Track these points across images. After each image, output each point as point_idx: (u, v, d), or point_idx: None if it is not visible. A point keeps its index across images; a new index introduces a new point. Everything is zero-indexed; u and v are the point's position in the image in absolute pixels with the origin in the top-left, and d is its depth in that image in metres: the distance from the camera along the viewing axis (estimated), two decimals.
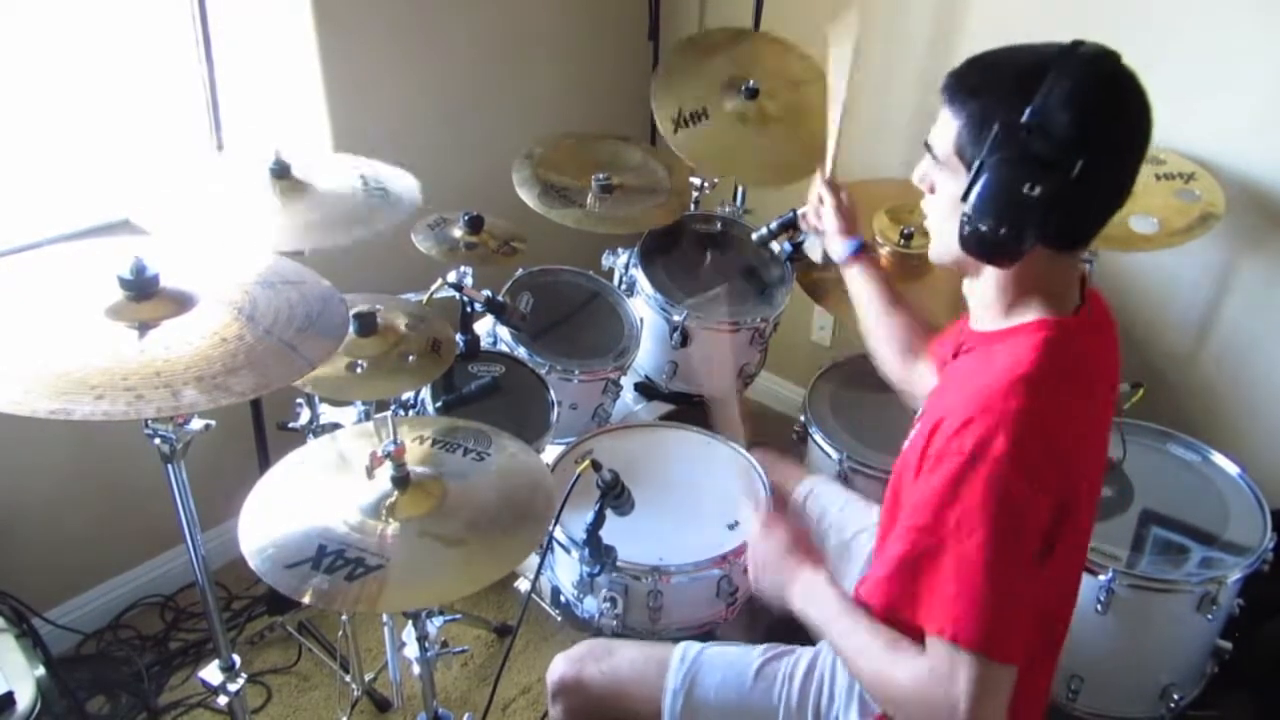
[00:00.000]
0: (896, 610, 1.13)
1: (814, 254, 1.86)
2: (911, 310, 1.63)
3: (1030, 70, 1.06)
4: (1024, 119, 1.05)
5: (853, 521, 1.72)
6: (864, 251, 1.66)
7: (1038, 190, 1.04)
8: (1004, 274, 1.17)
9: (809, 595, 1.30)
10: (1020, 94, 1.05)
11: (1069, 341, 1.14)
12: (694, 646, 1.49)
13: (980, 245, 1.11)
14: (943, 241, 1.20)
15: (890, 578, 1.13)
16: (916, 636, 1.14)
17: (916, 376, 1.58)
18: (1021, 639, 1.09)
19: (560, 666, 1.53)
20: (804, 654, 1.47)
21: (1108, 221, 1.14)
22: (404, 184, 1.86)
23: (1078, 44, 1.08)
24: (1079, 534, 1.22)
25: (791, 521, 1.42)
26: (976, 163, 1.08)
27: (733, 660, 1.47)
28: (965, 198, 1.10)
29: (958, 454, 1.07)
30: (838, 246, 1.70)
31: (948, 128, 1.13)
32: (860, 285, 1.65)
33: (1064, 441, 1.10)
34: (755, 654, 1.48)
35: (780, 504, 1.81)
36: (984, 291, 1.20)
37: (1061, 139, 1.04)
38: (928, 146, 1.18)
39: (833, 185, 1.73)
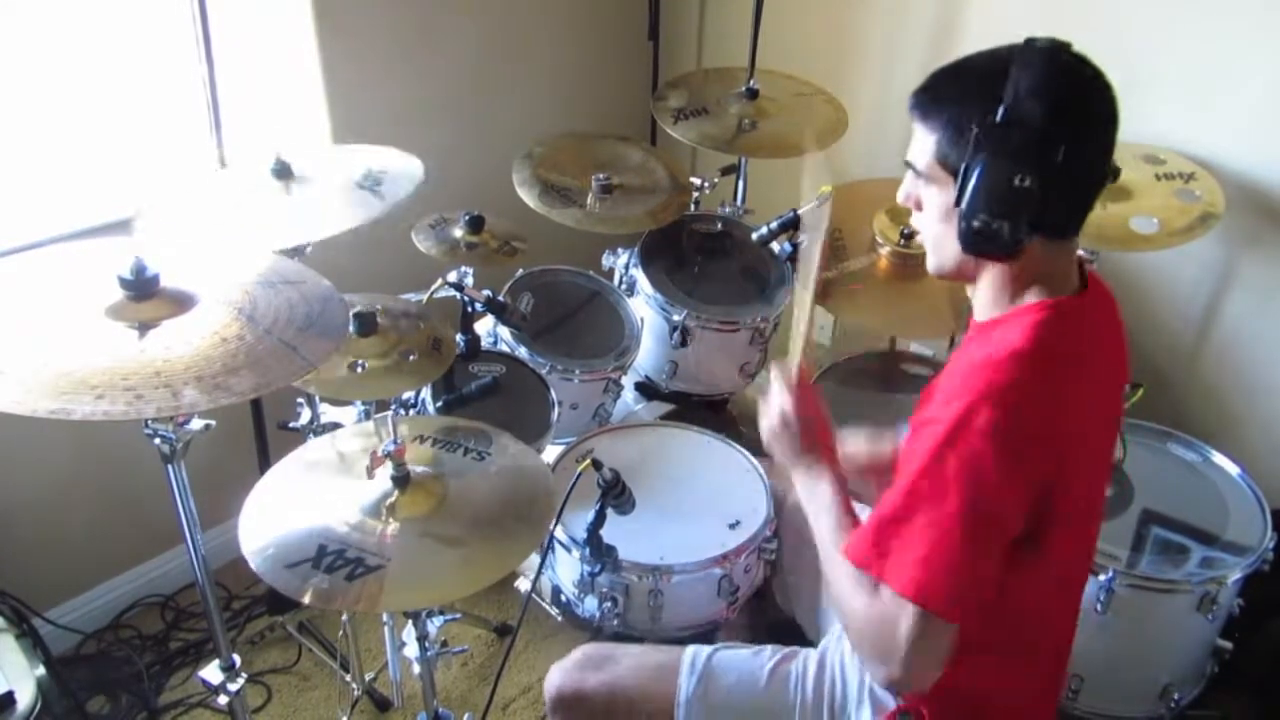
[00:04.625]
0: (865, 568, 1.16)
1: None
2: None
3: (992, 71, 1.09)
4: (999, 117, 1.07)
5: None
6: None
7: (1028, 181, 1.07)
8: (1004, 271, 1.18)
9: (811, 490, 1.33)
10: (989, 94, 1.08)
11: (1064, 320, 1.16)
12: (703, 650, 1.48)
13: (982, 242, 1.12)
14: (941, 251, 1.22)
15: (867, 535, 1.16)
16: None
17: None
18: (974, 604, 1.12)
19: (556, 678, 1.51)
20: (810, 655, 1.48)
21: (1093, 205, 1.16)
22: (404, 165, 1.85)
23: (1030, 40, 1.11)
24: (1072, 521, 1.22)
25: (814, 405, 1.38)
26: (963, 166, 1.10)
27: (744, 662, 1.47)
28: (959, 201, 1.12)
29: (942, 423, 1.10)
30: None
31: (925, 142, 1.16)
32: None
33: (1052, 418, 1.12)
34: (766, 655, 1.48)
35: (779, 506, 1.80)
36: (987, 287, 1.22)
37: (1038, 129, 1.07)
38: (909, 164, 1.20)
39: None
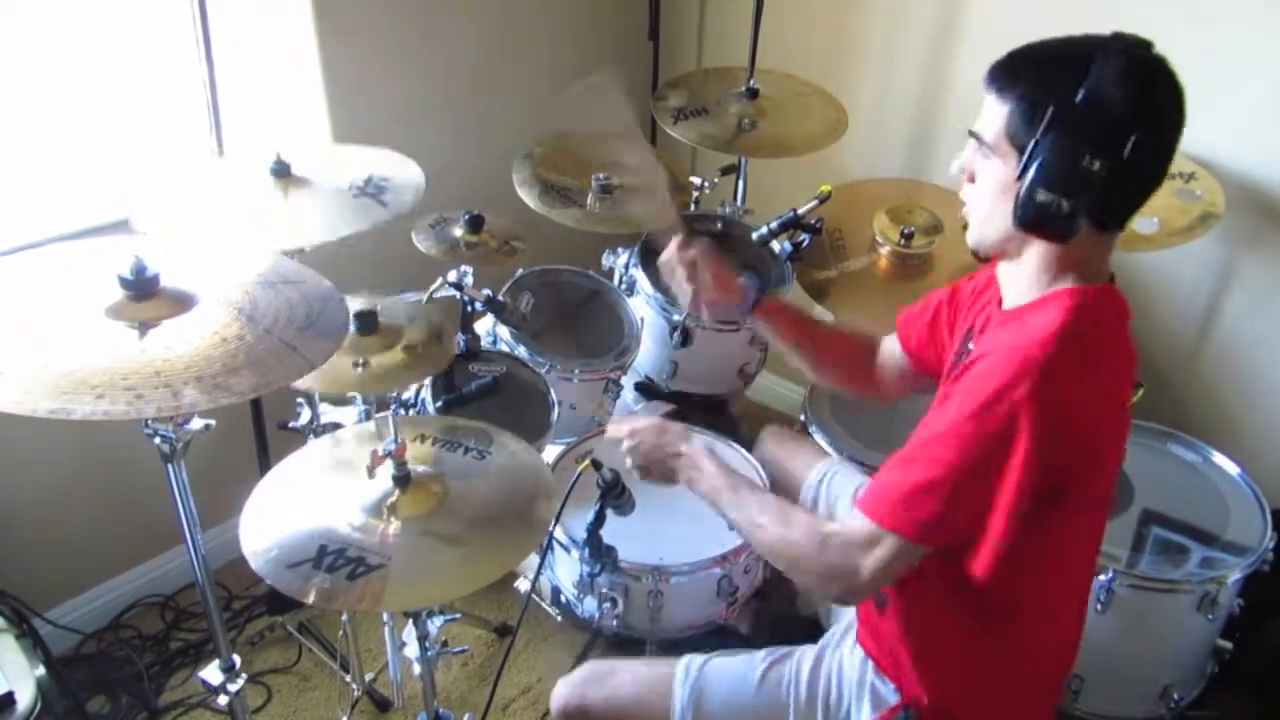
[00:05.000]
0: (858, 508, 1.22)
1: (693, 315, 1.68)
2: (838, 330, 1.70)
3: (1077, 55, 1.11)
4: (1078, 99, 1.09)
5: None
6: (758, 302, 1.64)
7: (1097, 164, 1.09)
8: (1048, 252, 1.20)
9: (693, 473, 1.41)
10: (1071, 76, 1.10)
11: (1097, 308, 1.18)
12: (696, 660, 1.48)
13: (1039, 218, 1.14)
14: (987, 225, 1.23)
15: (880, 485, 1.22)
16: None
17: (887, 367, 1.63)
18: (953, 531, 1.17)
19: (563, 693, 1.52)
20: (806, 654, 1.48)
21: (1145, 202, 1.18)
22: (407, 174, 1.85)
23: (1118, 34, 1.13)
24: (1085, 509, 1.25)
25: (653, 420, 1.50)
26: (1032, 142, 1.12)
27: (736, 669, 1.48)
28: (1023, 175, 1.13)
29: (980, 393, 1.13)
30: (728, 309, 1.66)
31: (996, 115, 1.17)
32: (774, 331, 1.66)
33: (1086, 401, 1.14)
34: (758, 660, 1.48)
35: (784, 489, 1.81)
36: (1025, 271, 1.23)
37: (1115, 116, 1.09)
38: (974, 135, 1.21)
39: (688, 244, 1.63)
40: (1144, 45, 1.12)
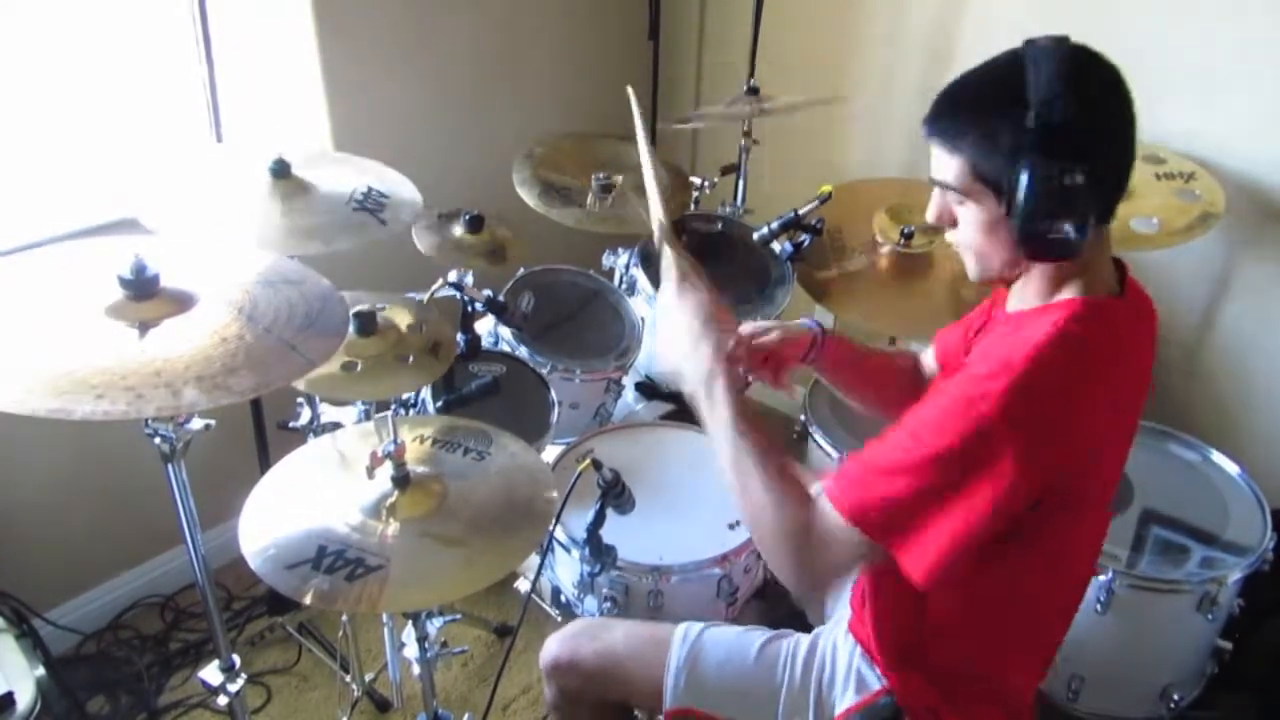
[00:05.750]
0: (841, 511, 1.14)
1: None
2: (883, 356, 1.65)
3: (1006, 78, 1.09)
4: (1031, 121, 1.07)
5: None
6: (813, 347, 1.53)
7: (1079, 177, 1.07)
8: (1051, 266, 1.18)
9: (712, 399, 1.25)
10: (1012, 101, 1.08)
11: (1096, 319, 1.15)
12: (695, 626, 1.50)
13: (1048, 247, 1.12)
14: (989, 259, 1.21)
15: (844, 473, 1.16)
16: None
17: (925, 386, 1.59)
18: (909, 537, 1.11)
19: (553, 647, 1.54)
20: (803, 638, 1.50)
21: (1126, 185, 1.15)
22: (406, 193, 1.85)
23: (1030, 41, 1.11)
24: (1075, 522, 1.22)
25: (707, 296, 1.34)
26: (1006, 177, 1.09)
27: (735, 640, 1.49)
28: (1011, 212, 1.10)
29: (959, 395, 1.09)
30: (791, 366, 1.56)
31: (950, 162, 1.15)
32: (828, 372, 1.58)
33: (1065, 415, 1.11)
34: (757, 635, 1.50)
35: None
36: (1031, 280, 1.21)
37: (1071, 121, 1.06)
38: (938, 183, 1.19)
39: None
40: (1061, 41, 1.10)
